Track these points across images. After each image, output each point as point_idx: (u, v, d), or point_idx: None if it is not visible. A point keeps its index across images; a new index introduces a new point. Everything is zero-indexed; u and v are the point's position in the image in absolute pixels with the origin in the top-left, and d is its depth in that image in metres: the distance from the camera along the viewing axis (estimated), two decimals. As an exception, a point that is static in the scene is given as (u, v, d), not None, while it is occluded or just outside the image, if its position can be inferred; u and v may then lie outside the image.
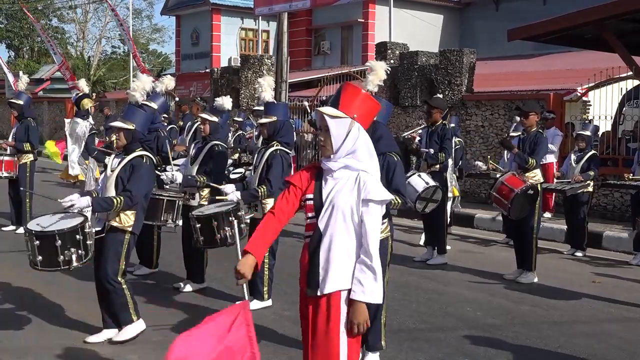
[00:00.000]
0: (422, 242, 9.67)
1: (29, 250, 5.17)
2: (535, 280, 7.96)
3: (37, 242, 5.11)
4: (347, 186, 3.36)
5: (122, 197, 5.36)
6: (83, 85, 13.33)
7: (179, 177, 6.89)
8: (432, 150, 8.72)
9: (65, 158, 13.69)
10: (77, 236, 5.15)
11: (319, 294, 3.36)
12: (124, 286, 5.55)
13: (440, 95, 10.07)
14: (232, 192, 6.33)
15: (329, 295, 3.35)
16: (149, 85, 7.43)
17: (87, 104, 12.25)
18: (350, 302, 3.33)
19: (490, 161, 10.83)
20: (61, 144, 14.77)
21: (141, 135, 5.56)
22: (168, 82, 9.22)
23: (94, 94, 14.35)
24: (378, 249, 3.34)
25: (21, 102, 10.45)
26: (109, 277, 5.47)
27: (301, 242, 3.56)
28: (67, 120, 12.99)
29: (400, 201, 5.03)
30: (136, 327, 5.58)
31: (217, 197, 6.67)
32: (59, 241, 5.08)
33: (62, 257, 5.10)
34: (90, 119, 12.57)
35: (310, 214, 3.46)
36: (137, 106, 6.90)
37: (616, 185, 9.95)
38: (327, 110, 3.41)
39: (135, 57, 21.80)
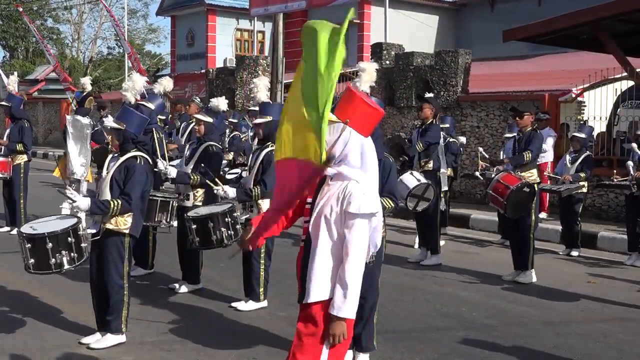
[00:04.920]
0: (417, 246, 9.63)
1: (23, 254, 5.15)
2: (534, 280, 7.97)
3: (29, 244, 5.09)
4: (335, 195, 3.31)
5: (119, 200, 5.34)
6: (87, 83, 13.25)
7: (173, 172, 6.88)
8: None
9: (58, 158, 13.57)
10: (69, 238, 5.12)
11: (303, 302, 3.35)
12: (126, 292, 5.54)
13: (431, 95, 10.05)
14: (228, 188, 6.35)
15: (312, 305, 3.32)
16: (140, 84, 7.40)
17: (90, 102, 12.22)
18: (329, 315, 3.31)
19: (481, 161, 10.84)
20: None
21: (133, 136, 5.52)
22: (166, 83, 9.18)
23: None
24: (359, 264, 3.26)
25: (9, 105, 10.39)
26: (114, 281, 5.44)
27: (298, 244, 3.56)
28: (68, 117, 12.91)
29: (392, 205, 5.04)
30: (119, 339, 5.53)
31: (210, 186, 6.62)
32: (50, 244, 5.06)
33: (53, 259, 5.08)
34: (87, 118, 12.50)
35: (305, 218, 3.46)
36: (134, 107, 6.89)
37: (610, 186, 9.99)
38: None
39: (135, 60, 21.73)
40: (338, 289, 3.26)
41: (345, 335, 3.30)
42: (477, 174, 9.34)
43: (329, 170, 3.33)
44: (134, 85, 7.18)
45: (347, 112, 3.34)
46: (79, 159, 11.77)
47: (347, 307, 3.24)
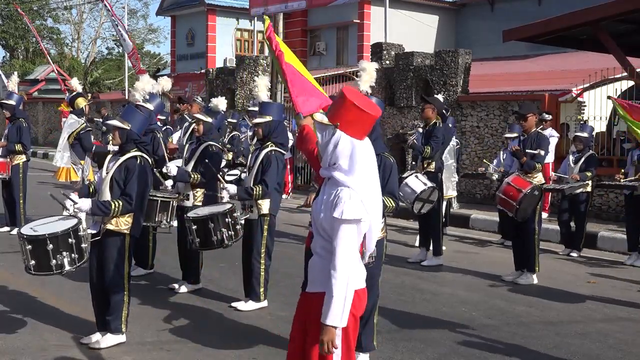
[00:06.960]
0: (417, 244, 9.65)
1: (23, 255, 5.15)
2: (535, 282, 7.96)
3: (30, 246, 5.08)
4: (326, 199, 3.32)
5: (120, 201, 5.34)
6: (76, 84, 13.26)
7: (173, 169, 6.89)
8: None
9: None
10: (70, 239, 5.11)
11: (305, 290, 3.49)
12: (126, 292, 5.54)
13: (440, 96, 9.98)
14: (229, 185, 6.37)
15: (308, 294, 3.46)
16: (149, 86, 7.47)
17: (82, 102, 12.21)
18: None
19: (485, 160, 10.86)
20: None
21: (136, 136, 5.53)
22: (165, 83, 9.18)
23: (89, 95, 14.25)
24: (344, 273, 3.23)
25: (13, 103, 10.40)
26: (114, 281, 5.44)
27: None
28: (64, 120, 12.96)
29: (393, 204, 5.03)
30: (119, 339, 5.53)
31: (211, 186, 6.66)
32: (51, 245, 5.05)
33: (54, 261, 5.07)
34: (83, 119, 12.50)
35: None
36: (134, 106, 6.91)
37: (610, 186, 9.99)
38: (316, 116, 3.44)
39: (137, 59, 21.66)
40: (326, 297, 3.27)
41: (335, 344, 3.25)
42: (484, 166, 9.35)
43: (324, 173, 3.35)
44: (144, 86, 7.25)
45: (338, 115, 3.29)
46: (60, 151, 11.84)
47: (331, 315, 3.22)
